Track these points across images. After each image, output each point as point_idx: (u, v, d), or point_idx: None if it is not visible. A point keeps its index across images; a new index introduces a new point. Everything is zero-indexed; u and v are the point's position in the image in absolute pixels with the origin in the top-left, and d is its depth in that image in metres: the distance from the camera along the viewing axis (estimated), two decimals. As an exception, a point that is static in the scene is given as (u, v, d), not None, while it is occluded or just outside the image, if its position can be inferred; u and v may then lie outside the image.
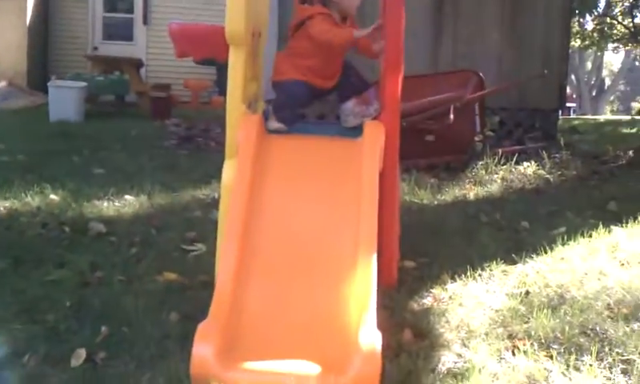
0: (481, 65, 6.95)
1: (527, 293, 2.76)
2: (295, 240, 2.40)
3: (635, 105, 31.62)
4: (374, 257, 2.24)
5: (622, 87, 44.19)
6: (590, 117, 21.63)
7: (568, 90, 37.09)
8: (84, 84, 8.94)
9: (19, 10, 12.74)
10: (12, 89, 11.63)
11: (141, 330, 2.29)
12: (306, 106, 3.09)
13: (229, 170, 2.63)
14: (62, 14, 14.42)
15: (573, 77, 37.21)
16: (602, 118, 19.06)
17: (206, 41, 8.24)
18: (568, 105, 37.19)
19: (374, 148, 2.56)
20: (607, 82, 41.57)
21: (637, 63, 37.33)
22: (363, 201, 2.40)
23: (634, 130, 11.86)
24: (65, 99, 8.46)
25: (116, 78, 10.42)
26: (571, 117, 21.41)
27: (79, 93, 8.72)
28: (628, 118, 19.07)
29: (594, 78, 38.91)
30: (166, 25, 11.31)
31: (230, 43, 2.59)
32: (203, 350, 1.93)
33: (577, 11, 17.35)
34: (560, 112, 7.81)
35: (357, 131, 2.69)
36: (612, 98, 43.17)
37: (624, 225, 3.83)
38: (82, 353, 2.12)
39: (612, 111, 44.02)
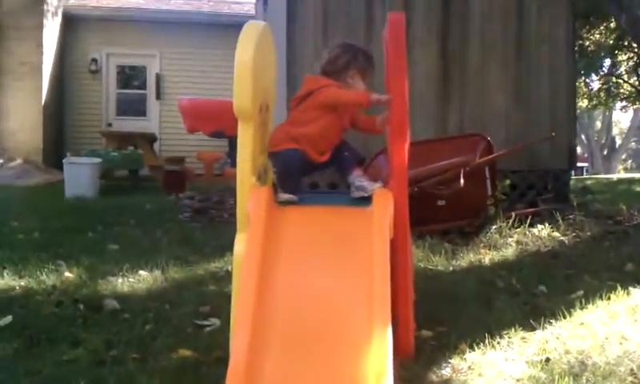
0: (488, 129, 7.03)
1: (547, 360, 2.71)
2: (309, 313, 2.37)
3: (647, 162, 31.56)
4: (389, 327, 2.21)
5: (633, 145, 44.26)
6: (602, 176, 21.60)
7: (579, 149, 37.30)
8: (98, 160, 9.09)
9: (35, 89, 13.09)
10: (28, 166, 11.86)
11: (156, 409, 2.25)
12: (304, 174, 3.09)
13: (240, 243, 2.63)
14: (77, 92, 14.81)
15: (583, 136, 37.44)
16: (614, 176, 19.02)
17: (215, 115, 8.42)
18: (580, 165, 37.36)
19: (384, 216, 2.55)
20: (618, 140, 41.71)
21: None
22: (375, 270, 2.38)
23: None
24: (79, 175, 8.60)
25: (130, 153, 10.61)
26: (584, 176, 21.40)
27: (93, 169, 8.86)
28: (641, 175, 19.08)
29: (604, 138, 39.10)
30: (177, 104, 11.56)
31: (238, 118, 2.63)
32: (219, 430, 1.89)
33: (582, 72, 17.60)
34: (571, 172, 7.79)
35: (366, 200, 2.70)
36: (624, 155, 43.24)
37: (643, 287, 3.78)
38: (98, 436, 2.09)
39: (625, 169, 44.02)
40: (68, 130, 14.76)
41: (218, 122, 8.38)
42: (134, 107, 15.24)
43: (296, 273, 2.47)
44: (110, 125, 14.85)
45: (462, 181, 5.42)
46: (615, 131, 41.83)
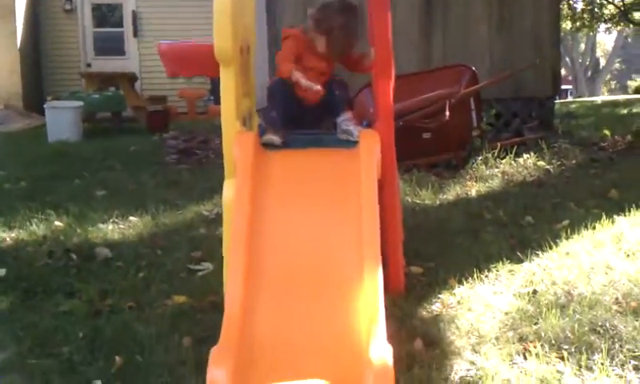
0: (473, 58, 6.98)
1: (535, 292, 2.78)
2: (299, 256, 2.41)
3: (631, 83, 31.58)
4: (379, 267, 2.25)
5: (617, 65, 44.14)
6: (586, 99, 21.63)
7: (563, 72, 37.15)
8: (80, 103, 8.97)
9: (10, 32, 12.77)
10: (8, 112, 11.68)
11: (154, 357, 2.30)
12: (292, 113, 3.06)
13: (228, 189, 2.64)
14: (53, 32, 14.45)
15: (567, 59, 37.25)
16: (598, 99, 19.07)
17: (195, 59, 8.29)
18: (564, 87, 37.28)
19: (371, 157, 2.56)
20: (602, 61, 41.58)
21: (629, 40, 37.27)
22: (364, 210, 2.40)
23: (632, 111, 11.91)
24: (62, 120, 8.51)
25: (112, 94, 10.47)
26: (568, 100, 21.42)
27: (76, 113, 8.76)
28: (624, 97, 19.13)
29: (588, 59, 38.96)
30: (156, 43, 11.29)
31: (219, 62, 2.60)
32: (218, 375, 1.94)
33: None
34: (556, 98, 7.80)
35: (352, 142, 2.70)
36: (608, 76, 43.18)
37: (627, 213, 3.85)
38: (98, 385, 2.14)
39: (609, 90, 44.06)
40: (47, 72, 14.47)
41: (199, 66, 8.23)
42: (112, 46, 14.90)
43: (285, 217, 2.49)
44: (89, 65, 14.57)
45: (447, 113, 5.42)
46: (599, 52, 41.66)
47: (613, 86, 45.46)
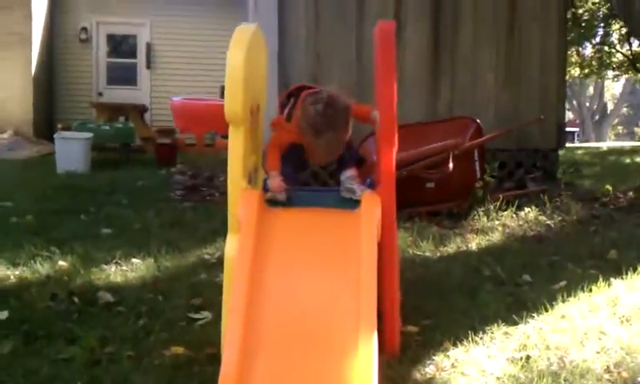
0: (479, 109, 7.10)
1: (528, 357, 2.81)
2: (298, 316, 2.45)
3: (638, 130, 31.68)
4: (375, 333, 2.29)
5: (625, 110, 44.32)
6: (592, 144, 21.71)
7: (570, 115, 37.24)
8: (90, 135, 9.09)
9: (25, 60, 13.00)
10: (18, 138, 11.84)
11: (151, 412, 2.34)
12: (300, 170, 3.15)
13: (231, 245, 2.71)
14: (67, 61, 14.70)
15: (575, 103, 37.49)
16: (604, 145, 19.12)
17: (206, 118, 8.52)
18: (571, 129, 37.44)
19: (372, 219, 2.62)
20: (610, 105, 41.75)
21: (638, 86, 37.48)
22: (362, 273, 2.45)
23: (637, 160, 11.97)
24: (71, 151, 8.62)
25: (121, 126, 10.60)
26: (574, 145, 21.51)
27: (85, 144, 8.88)
28: (631, 144, 19.21)
29: (596, 104, 39.13)
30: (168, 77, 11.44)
31: (229, 123, 2.68)
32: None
33: (575, 40, 17.58)
34: (560, 151, 7.87)
35: (354, 201, 2.77)
36: (615, 121, 43.33)
37: (624, 276, 3.89)
38: (94, 440, 2.18)
39: (616, 134, 44.18)
40: (58, 99, 14.69)
41: (209, 124, 8.46)
42: (124, 76, 15.17)
43: (286, 276, 2.54)
44: (100, 94, 14.80)
45: (450, 165, 5.49)
46: (607, 96, 41.88)
47: (620, 131, 45.60)
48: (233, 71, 2.61)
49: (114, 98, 13.84)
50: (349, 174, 2.90)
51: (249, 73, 2.70)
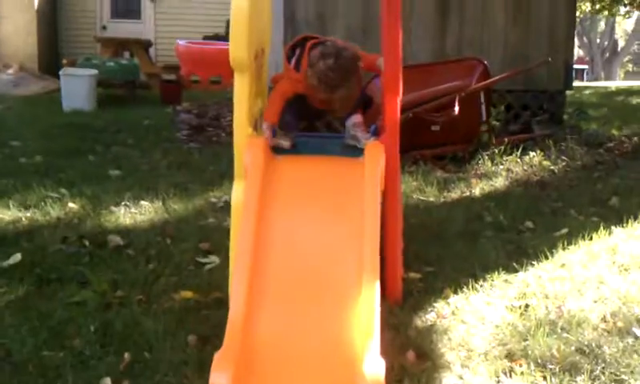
0: (487, 49, 7.04)
1: (527, 306, 2.89)
2: (303, 263, 2.52)
3: (648, 68, 31.26)
4: (377, 280, 2.36)
5: (636, 47, 43.58)
6: (601, 84, 21.48)
7: (580, 52, 36.57)
8: (95, 72, 9.06)
9: (27, -7, 12.81)
10: (23, 74, 11.79)
11: (161, 355, 2.43)
12: (305, 118, 3.17)
13: (237, 192, 2.76)
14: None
15: (585, 39, 36.87)
16: (613, 85, 18.93)
17: (211, 63, 8.43)
18: (580, 67, 36.95)
19: (376, 168, 2.66)
20: (621, 42, 41.06)
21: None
22: (366, 222, 2.51)
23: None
24: (77, 88, 8.62)
25: (126, 63, 10.53)
26: (583, 84, 21.28)
27: (90, 81, 8.86)
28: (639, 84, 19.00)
29: (606, 41, 38.48)
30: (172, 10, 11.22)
31: (234, 69, 2.69)
32: (220, 380, 2.07)
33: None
34: (566, 93, 7.82)
35: (359, 149, 2.81)
36: (626, 58, 42.69)
37: (624, 224, 3.95)
38: (107, 382, 2.27)
39: (626, 72, 43.59)
40: (62, 33, 14.51)
41: (214, 69, 8.40)
42: (128, 10, 14.97)
43: (291, 224, 2.60)
44: (104, 28, 14.62)
45: (456, 108, 5.49)
46: (619, 33, 41.12)
47: (630, 69, 44.97)
48: (237, 15, 2.58)
49: (118, 32, 13.68)
50: (354, 121, 2.92)
51: (254, 16, 2.69)
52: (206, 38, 12.02)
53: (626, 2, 20.40)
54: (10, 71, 11.68)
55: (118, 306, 2.84)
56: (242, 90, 2.73)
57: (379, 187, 2.63)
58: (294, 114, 2.96)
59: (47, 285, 3.03)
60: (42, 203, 4.15)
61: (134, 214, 4.11)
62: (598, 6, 20.93)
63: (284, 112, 2.90)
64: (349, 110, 2.91)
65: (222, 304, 2.78)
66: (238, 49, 2.63)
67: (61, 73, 8.97)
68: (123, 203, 4.26)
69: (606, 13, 22.74)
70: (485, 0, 7.39)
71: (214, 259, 3.39)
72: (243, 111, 2.74)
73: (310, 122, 3.03)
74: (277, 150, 2.80)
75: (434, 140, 5.80)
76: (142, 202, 4.29)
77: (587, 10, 22.11)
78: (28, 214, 4.00)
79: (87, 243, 3.52)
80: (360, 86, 2.88)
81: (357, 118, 2.94)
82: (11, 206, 4.11)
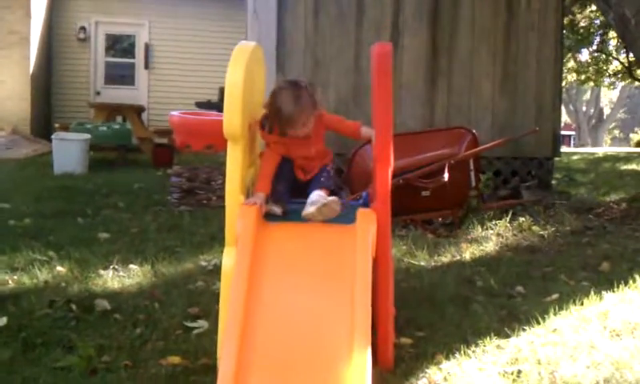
0: (475, 116, 7.15)
1: (519, 372, 2.85)
2: (293, 330, 2.50)
3: (634, 136, 31.80)
4: (369, 345, 2.34)
5: (622, 115, 44.42)
6: (588, 150, 21.79)
7: (567, 118, 37.24)
8: (87, 136, 9.12)
9: (23, 59, 13.02)
10: (16, 137, 11.85)
11: (147, 423, 2.38)
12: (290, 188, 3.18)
13: (228, 258, 2.75)
14: (65, 60, 14.72)
15: (571, 107, 37.58)
16: (600, 151, 19.20)
17: (205, 132, 8.62)
18: (567, 133, 37.57)
19: (367, 235, 2.68)
20: (607, 110, 41.85)
21: (636, 90, 37.58)
22: (357, 288, 2.51)
23: (631, 167, 12.04)
24: (69, 152, 8.66)
25: (119, 127, 10.60)
26: (570, 150, 21.59)
27: (83, 145, 8.91)
28: (626, 150, 19.29)
29: (592, 109, 39.23)
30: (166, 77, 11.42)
31: (228, 140, 2.74)
32: None
33: (572, 47, 17.64)
34: (554, 160, 7.93)
35: (350, 217, 2.82)
36: (612, 125, 43.44)
37: (615, 289, 3.94)
38: None
39: (612, 138, 44.29)
40: (56, 98, 14.71)
41: (208, 139, 8.55)
42: (122, 76, 15.21)
43: (282, 290, 2.59)
44: (98, 93, 14.82)
45: (446, 174, 5.53)
46: (604, 101, 41.97)
47: (617, 135, 45.72)
48: (232, 89, 2.67)
49: (112, 98, 13.87)
50: (318, 192, 2.91)
51: (248, 89, 2.75)
52: (198, 104, 12.17)
53: (610, 74, 20.93)
54: (2, 134, 11.74)
55: (104, 371, 2.79)
56: (235, 159, 2.78)
57: (370, 254, 2.64)
58: (284, 181, 3.01)
59: (32, 349, 2.97)
60: (30, 266, 4.12)
61: (123, 277, 4.08)
62: (583, 77, 21.44)
63: (274, 182, 2.96)
64: (315, 163, 3.01)
65: (210, 370, 2.74)
66: (232, 120, 2.70)
67: (53, 137, 9.02)
68: (112, 267, 4.23)
69: (591, 83, 23.29)
70: (472, 70, 7.57)
71: (203, 324, 3.34)
72: (236, 180, 2.78)
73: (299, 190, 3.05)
74: (269, 216, 2.82)
75: (425, 205, 5.82)
76: (131, 266, 4.26)
77: (573, 80, 22.63)
78: (15, 277, 3.96)
79: (74, 307, 3.47)
80: (308, 108, 2.88)
81: (321, 192, 2.92)
82: (-2, 268, 4.08)
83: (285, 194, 2.97)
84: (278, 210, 2.88)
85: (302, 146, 2.98)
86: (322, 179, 2.99)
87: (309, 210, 2.79)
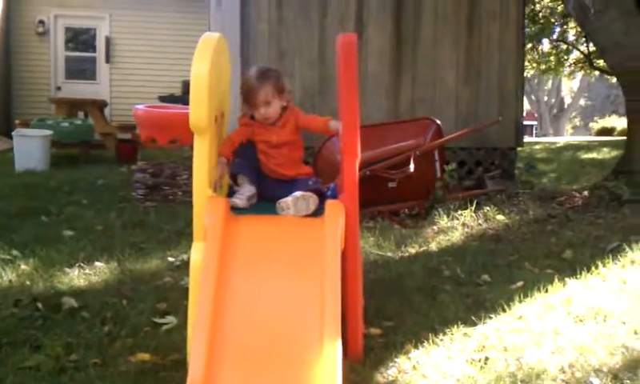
0: (439, 106, 7.22)
1: (486, 359, 2.90)
2: (263, 322, 2.50)
3: (593, 125, 32.40)
4: (339, 337, 2.35)
5: (582, 102, 45.15)
6: (549, 140, 22.15)
7: (529, 107, 37.69)
8: (49, 132, 8.97)
9: (-19, 53, 12.72)
10: (-25, 134, 11.57)
11: (117, 420, 2.36)
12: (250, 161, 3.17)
13: (197, 253, 2.74)
14: (24, 55, 14.43)
15: (533, 97, 38.11)
16: (561, 141, 19.54)
17: (170, 126, 8.53)
18: (529, 123, 38.08)
19: (335, 227, 2.69)
20: (568, 98, 42.52)
21: (596, 79, 38.24)
22: (326, 280, 2.52)
23: (591, 156, 12.28)
24: (30, 149, 8.51)
25: (81, 123, 10.45)
26: (532, 140, 21.92)
27: (44, 142, 8.76)
28: (587, 139, 19.67)
29: (553, 98, 39.82)
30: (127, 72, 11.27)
31: (194, 133, 2.72)
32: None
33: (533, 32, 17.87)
34: (517, 150, 8.06)
35: (319, 210, 2.83)
36: (574, 113, 44.16)
37: (578, 276, 4.02)
38: None
39: (573, 127, 45.04)
40: (16, 94, 14.42)
41: (173, 132, 8.47)
42: (83, 70, 14.99)
43: (251, 284, 2.59)
44: (59, 88, 14.57)
45: (411, 166, 5.57)
46: (565, 90, 42.64)
47: (577, 123, 46.52)
48: (197, 81, 2.64)
49: (73, 93, 13.66)
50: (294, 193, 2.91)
51: (213, 82, 2.74)
52: (161, 98, 12.07)
53: (571, 63, 21.25)
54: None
55: (73, 369, 2.76)
56: (201, 152, 2.76)
57: (339, 246, 2.65)
58: (245, 160, 3.04)
59: (-1, 350, 2.93)
60: (-6, 266, 4.05)
61: (89, 275, 4.03)
62: (543, 67, 21.72)
63: (237, 154, 3.00)
64: (281, 155, 3.05)
65: (181, 365, 2.73)
66: (198, 113, 2.67)
67: (14, 133, 8.85)
68: (77, 264, 4.18)
69: (552, 74, 23.64)
70: (435, 60, 7.63)
71: (172, 320, 3.33)
72: (203, 173, 2.76)
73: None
74: (236, 209, 2.82)
75: (391, 196, 5.84)
76: (97, 263, 4.22)
77: (534, 71, 22.94)
78: (-22, 277, 3.89)
79: (40, 306, 3.42)
80: (274, 96, 3.00)
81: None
82: (-39, 269, 4.00)
83: (245, 168, 3.02)
84: (240, 202, 2.88)
85: (266, 132, 3.03)
86: (309, 182, 2.98)
87: (286, 199, 2.82)
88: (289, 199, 2.81)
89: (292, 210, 2.80)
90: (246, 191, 2.96)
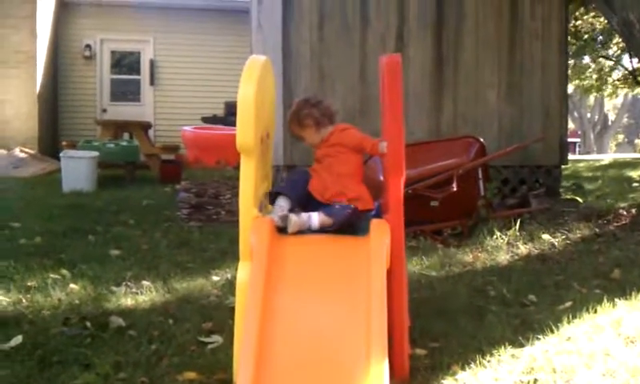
0: (481, 125, 7.17)
1: (535, 381, 2.85)
2: (310, 342, 2.50)
3: (639, 142, 31.74)
4: (385, 357, 2.35)
5: (625, 120, 44.36)
6: (593, 157, 21.76)
7: (572, 125, 37.17)
8: (95, 154, 9.16)
9: (30, 78, 13.12)
10: (24, 156, 11.90)
11: (166, 439, 2.38)
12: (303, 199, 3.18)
13: (243, 272, 2.76)
14: (71, 78, 14.82)
15: (576, 114, 37.56)
16: (605, 158, 19.18)
17: (217, 147, 8.69)
18: (572, 140, 37.47)
19: (381, 246, 2.69)
20: (611, 115, 41.81)
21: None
22: (372, 300, 2.52)
23: (638, 173, 12.03)
24: (77, 170, 8.70)
25: (126, 144, 10.65)
26: (576, 157, 21.57)
27: (91, 163, 8.95)
28: (632, 156, 19.27)
29: (596, 115, 39.19)
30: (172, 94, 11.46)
31: (241, 153, 2.75)
32: None
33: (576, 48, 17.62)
34: (562, 168, 7.94)
35: (364, 228, 2.83)
36: (617, 130, 43.37)
37: (627, 296, 3.93)
38: None
39: (617, 144, 44.21)
40: (63, 116, 14.81)
41: (220, 154, 8.66)
42: (128, 93, 15.32)
43: (297, 303, 2.60)
44: (104, 110, 14.91)
45: (454, 185, 5.54)
46: (608, 106, 41.94)
47: (621, 140, 45.65)
48: (244, 103, 2.68)
49: (118, 115, 13.96)
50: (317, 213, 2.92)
51: (259, 103, 2.77)
52: (204, 119, 12.25)
53: (614, 80, 20.91)
54: (11, 153, 11.80)
55: (121, 388, 2.80)
56: (248, 173, 2.80)
57: (385, 265, 2.65)
58: (295, 185, 3.05)
59: (49, 367, 2.98)
60: (43, 284, 4.14)
61: (136, 294, 4.09)
62: (585, 83, 21.41)
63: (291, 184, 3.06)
64: (326, 179, 3.03)
65: (227, 384, 2.74)
66: (245, 134, 2.72)
67: (62, 155, 9.07)
68: (124, 283, 4.25)
69: (594, 92, 23.28)
70: (477, 79, 7.59)
71: (217, 339, 3.35)
72: (249, 193, 2.80)
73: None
74: (283, 229, 2.84)
75: (434, 215, 5.83)
76: (143, 282, 4.28)
77: (576, 88, 22.63)
78: (29, 296, 3.97)
79: (89, 324, 3.48)
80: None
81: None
82: (12, 287, 4.09)
83: (283, 189, 3.05)
84: (277, 219, 2.87)
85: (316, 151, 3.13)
86: (337, 207, 2.94)
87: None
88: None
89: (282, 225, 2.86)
90: (278, 210, 2.96)
